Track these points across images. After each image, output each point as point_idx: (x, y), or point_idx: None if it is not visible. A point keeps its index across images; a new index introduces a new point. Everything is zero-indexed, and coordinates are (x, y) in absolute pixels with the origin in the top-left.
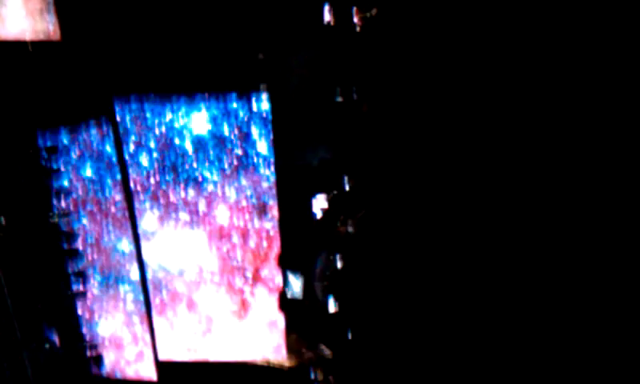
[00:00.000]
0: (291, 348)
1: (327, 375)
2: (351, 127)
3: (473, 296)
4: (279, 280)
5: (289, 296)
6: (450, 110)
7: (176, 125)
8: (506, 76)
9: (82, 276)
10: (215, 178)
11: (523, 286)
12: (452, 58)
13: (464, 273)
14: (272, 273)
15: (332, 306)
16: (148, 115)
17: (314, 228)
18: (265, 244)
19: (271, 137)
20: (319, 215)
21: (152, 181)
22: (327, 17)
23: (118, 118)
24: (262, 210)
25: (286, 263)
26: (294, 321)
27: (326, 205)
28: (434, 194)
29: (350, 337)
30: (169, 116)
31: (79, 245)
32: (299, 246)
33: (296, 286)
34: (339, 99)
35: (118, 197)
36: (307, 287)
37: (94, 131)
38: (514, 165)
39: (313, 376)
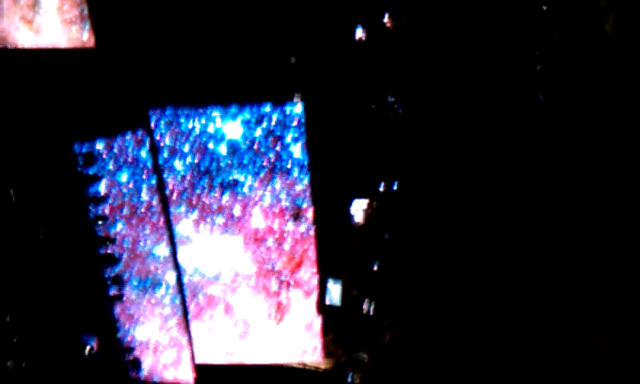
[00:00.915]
0: (328, 351)
1: (364, 379)
2: (387, 133)
3: (520, 299)
4: (314, 282)
5: (327, 302)
6: (478, 114)
7: (210, 129)
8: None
9: (119, 281)
10: (250, 181)
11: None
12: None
13: (508, 277)
14: (307, 276)
15: (370, 310)
16: (182, 120)
17: (352, 232)
18: (299, 248)
19: (305, 140)
20: (357, 218)
21: (187, 185)
22: (359, 34)
23: (153, 125)
24: (296, 214)
25: (325, 268)
26: (330, 324)
27: (365, 207)
28: (472, 197)
29: (387, 341)
30: (203, 122)
31: (115, 250)
32: (338, 250)
33: (335, 292)
34: (374, 106)
35: (154, 202)
36: (346, 293)
37: (128, 137)
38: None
39: (350, 380)
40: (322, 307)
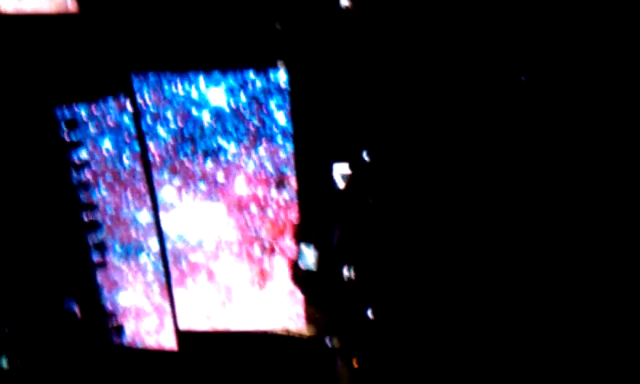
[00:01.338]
0: (310, 318)
1: (343, 344)
2: (370, 101)
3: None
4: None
5: (302, 267)
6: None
7: (194, 96)
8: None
9: (102, 247)
10: (233, 148)
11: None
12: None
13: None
14: (291, 243)
15: (348, 276)
16: (166, 87)
17: (333, 198)
18: (283, 215)
19: (288, 108)
20: (340, 183)
21: (170, 152)
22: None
23: (136, 91)
24: (280, 181)
25: (300, 235)
26: (311, 291)
27: (347, 171)
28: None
29: (366, 308)
30: (186, 87)
31: (98, 216)
32: (316, 217)
33: (310, 257)
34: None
35: (137, 168)
36: (322, 259)
37: (112, 103)
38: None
39: (330, 344)
40: (298, 272)
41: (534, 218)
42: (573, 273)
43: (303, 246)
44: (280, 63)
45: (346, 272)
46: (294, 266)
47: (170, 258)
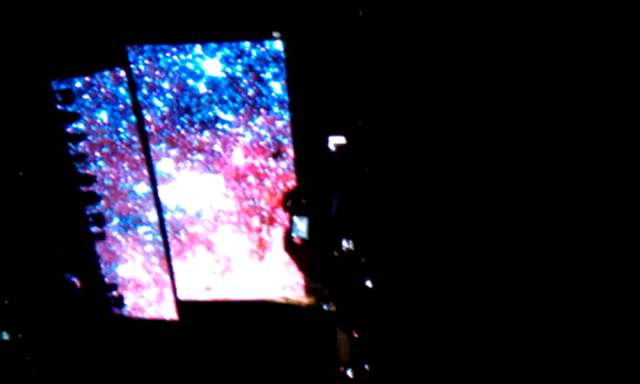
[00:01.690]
0: (309, 287)
1: (342, 312)
2: (364, 71)
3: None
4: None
5: (294, 235)
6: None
7: (190, 67)
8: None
9: (100, 219)
10: (230, 118)
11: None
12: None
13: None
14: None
15: (347, 246)
16: (161, 57)
17: (330, 168)
18: (281, 184)
19: (285, 76)
20: (334, 152)
21: (167, 123)
22: None
23: (132, 62)
24: (277, 151)
25: (294, 205)
26: (305, 261)
27: (342, 141)
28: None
29: (365, 277)
30: (182, 58)
31: (96, 188)
32: (313, 187)
33: (301, 226)
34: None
35: (135, 139)
36: (315, 228)
37: (107, 74)
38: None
39: (326, 307)
40: (290, 242)
41: (524, 195)
42: (562, 269)
43: (295, 217)
44: (276, 33)
45: (344, 242)
46: (287, 236)
47: (169, 230)
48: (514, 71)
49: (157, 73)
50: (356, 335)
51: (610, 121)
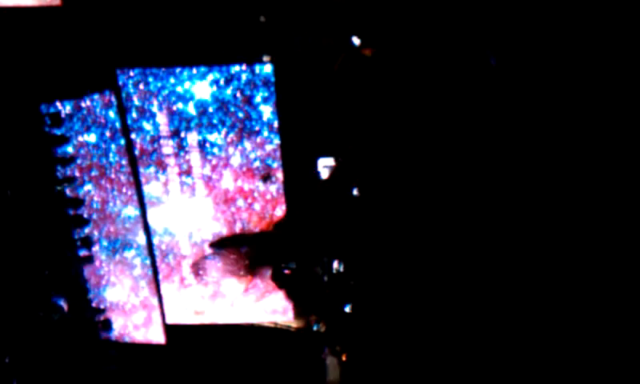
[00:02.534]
0: (299, 311)
1: (331, 337)
2: (354, 91)
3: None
4: None
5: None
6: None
7: (179, 90)
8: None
9: (89, 242)
10: (220, 142)
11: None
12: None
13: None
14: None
15: (337, 268)
16: (150, 80)
17: (319, 190)
18: (270, 208)
19: (274, 100)
20: (324, 174)
21: (156, 146)
22: None
23: (121, 86)
24: (267, 174)
25: (281, 229)
26: (292, 288)
27: (331, 163)
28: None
29: (354, 301)
30: (172, 81)
31: (85, 211)
32: (302, 210)
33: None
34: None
35: (123, 162)
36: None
37: (96, 97)
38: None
39: (316, 328)
40: (278, 273)
41: (518, 210)
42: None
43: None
44: (266, 57)
45: (335, 264)
46: (275, 267)
47: (158, 253)
48: (505, 93)
49: (146, 96)
50: (344, 359)
51: (604, 123)
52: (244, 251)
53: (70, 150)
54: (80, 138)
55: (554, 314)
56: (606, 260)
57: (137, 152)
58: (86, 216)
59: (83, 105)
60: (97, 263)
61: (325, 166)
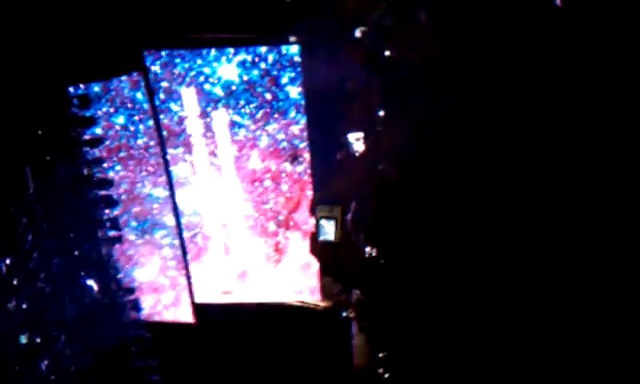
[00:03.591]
0: (326, 289)
1: (359, 316)
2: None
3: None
4: (312, 223)
5: (321, 238)
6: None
7: (206, 71)
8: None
9: (118, 223)
10: (247, 122)
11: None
12: None
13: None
14: (305, 216)
15: (368, 250)
16: (178, 61)
17: (349, 167)
18: (297, 188)
19: (301, 80)
20: (355, 147)
21: (184, 127)
22: None
23: (149, 67)
24: (294, 154)
25: (316, 208)
26: (327, 264)
27: (361, 136)
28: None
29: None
30: (199, 63)
31: (114, 192)
32: (331, 189)
33: (330, 230)
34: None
35: (152, 144)
36: (340, 231)
37: (124, 79)
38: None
39: (345, 314)
40: (316, 245)
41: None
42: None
43: (323, 220)
44: (292, 37)
45: (367, 247)
46: (313, 239)
47: (186, 233)
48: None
49: (174, 78)
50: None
51: (604, 123)
52: None
53: (98, 131)
54: (108, 120)
55: (566, 312)
56: (612, 261)
57: (165, 133)
58: (115, 197)
59: (111, 87)
60: (126, 244)
61: (357, 138)
